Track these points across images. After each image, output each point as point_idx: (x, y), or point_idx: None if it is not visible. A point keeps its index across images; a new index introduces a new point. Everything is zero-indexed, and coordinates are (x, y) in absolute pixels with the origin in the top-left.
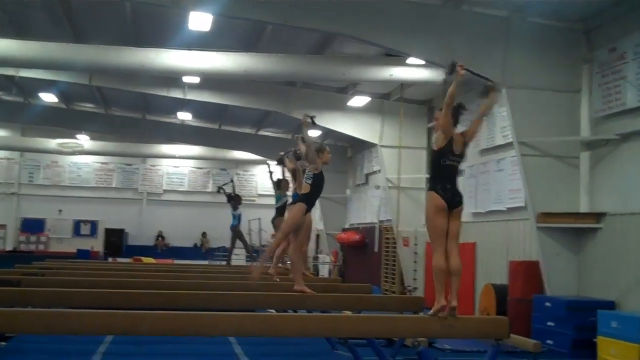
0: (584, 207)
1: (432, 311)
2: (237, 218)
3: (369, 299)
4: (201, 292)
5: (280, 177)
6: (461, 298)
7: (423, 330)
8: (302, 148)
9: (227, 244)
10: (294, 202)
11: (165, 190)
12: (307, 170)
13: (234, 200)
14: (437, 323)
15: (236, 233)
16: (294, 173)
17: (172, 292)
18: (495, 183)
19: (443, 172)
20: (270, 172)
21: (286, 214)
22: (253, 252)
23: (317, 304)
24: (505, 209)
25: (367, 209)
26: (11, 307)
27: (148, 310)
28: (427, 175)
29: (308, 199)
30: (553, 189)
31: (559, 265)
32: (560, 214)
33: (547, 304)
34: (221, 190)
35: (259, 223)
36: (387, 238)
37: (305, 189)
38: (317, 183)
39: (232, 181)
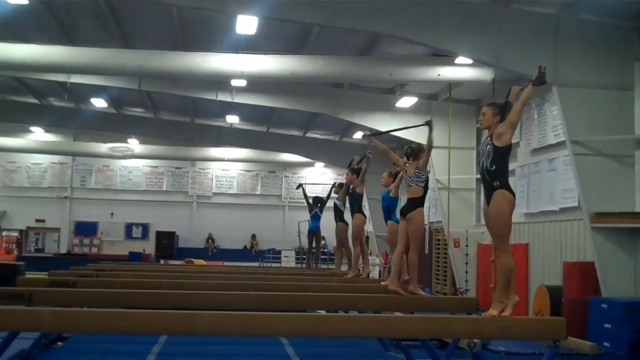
0: (639, 207)
1: (509, 308)
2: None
3: (421, 300)
4: (254, 293)
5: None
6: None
7: (478, 331)
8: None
9: (277, 246)
10: (410, 209)
11: (214, 193)
12: (417, 172)
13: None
14: (492, 324)
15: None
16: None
17: (227, 293)
18: (547, 183)
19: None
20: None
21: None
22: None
23: (369, 304)
24: (558, 209)
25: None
26: (68, 307)
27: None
28: (477, 176)
29: (423, 202)
30: (607, 189)
31: (615, 266)
32: (615, 213)
33: (604, 305)
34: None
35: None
36: (438, 239)
37: (418, 192)
38: (427, 185)
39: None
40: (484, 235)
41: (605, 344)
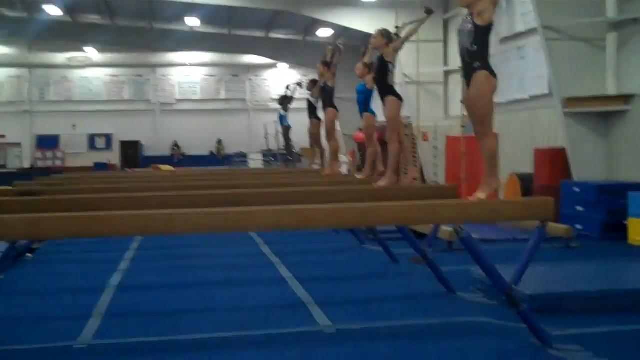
0: (611, 90)
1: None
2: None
3: (402, 190)
4: (233, 192)
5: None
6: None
7: (466, 215)
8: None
9: (244, 150)
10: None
11: (177, 100)
12: (389, 64)
13: (287, 101)
14: (481, 207)
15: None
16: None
17: (204, 193)
18: (517, 72)
19: (489, 49)
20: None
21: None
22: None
23: (350, 197)
24: (528, 97)
25: (382, 108)
26: None
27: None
28: (445, 68)
29: None
30: (579, 73)
31: (586, 151)
32: (587, 98)
33: (576, 189)
34: (288, 88)
35: (276, 126)
36: (406, 135)
37: (392, 80)
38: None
39: (299, 84)
40: (453, 129)
41: (578, 226)
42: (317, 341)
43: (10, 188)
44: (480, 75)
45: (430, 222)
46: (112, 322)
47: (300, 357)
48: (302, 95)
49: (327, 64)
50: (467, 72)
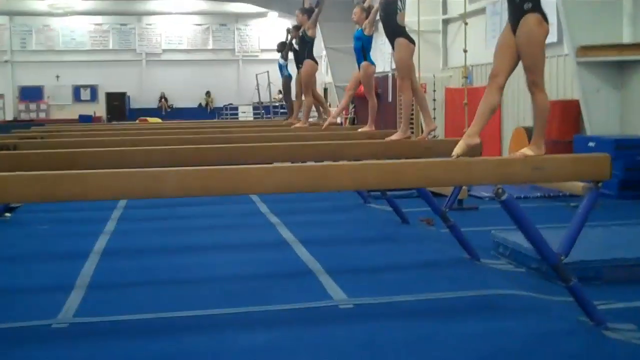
0: (627, 38)
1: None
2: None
3: (417, 145)
4: (230, 146)
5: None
6: (484, 144)
7: (508, 175)
8: None
9: (234, 102)
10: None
11: (164, 50)
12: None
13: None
14: (523, 165)
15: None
16: None
17: (197, 147)
18: None
19: None
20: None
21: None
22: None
23: (361, 152)
24: None
25: (378, 58)
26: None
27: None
28: (445, 16)
29: None
30: (593, 20)
31: (600, 103)
32: (602, 46)
33: (591, 144)
34: (289, 32)
35: (268, 77)
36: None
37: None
38: None
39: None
40: (451, 79)
41: None
42: (333, 319)
43: None
44: (532, 19)
45: (467, 183)
46: (96, 295)
47: (316, 339)
48: None
49: (306, 11)
50: (515, 14)
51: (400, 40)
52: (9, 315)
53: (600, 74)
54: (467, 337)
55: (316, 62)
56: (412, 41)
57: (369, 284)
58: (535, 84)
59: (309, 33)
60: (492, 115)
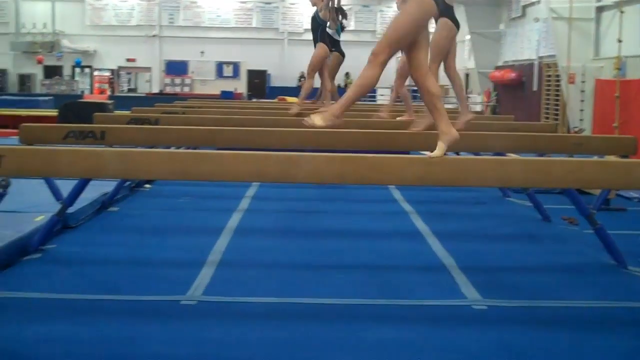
0: None
1: None
2: None
3: (561, 140)
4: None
5: None
6: None
7: None
8: None
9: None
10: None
11: (306, 30)
12: None
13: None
14: None
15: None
16: None
17: (341, 131)
18: None
19: None
20: None
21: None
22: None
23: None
24: None
25: (524, 45)
26: (150, 147)
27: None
28: (598, 3)
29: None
30: None
31: None
32: None
33: None
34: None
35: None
36: (549, 75)
37: None
38: None
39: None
40: (603, 70)
41: None
42: (465, 320)
43: (127, 113)
44: None
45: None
46: (226, 274)
47: (445, 340)
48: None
49: None
50: None
51: (443, 20)
52: (141, 288)
53: None
54: (614, 354)
55: (328, 47)
56: (456, 24)
57: (505, 284)
58: None
59: (321, 15)
60: None
